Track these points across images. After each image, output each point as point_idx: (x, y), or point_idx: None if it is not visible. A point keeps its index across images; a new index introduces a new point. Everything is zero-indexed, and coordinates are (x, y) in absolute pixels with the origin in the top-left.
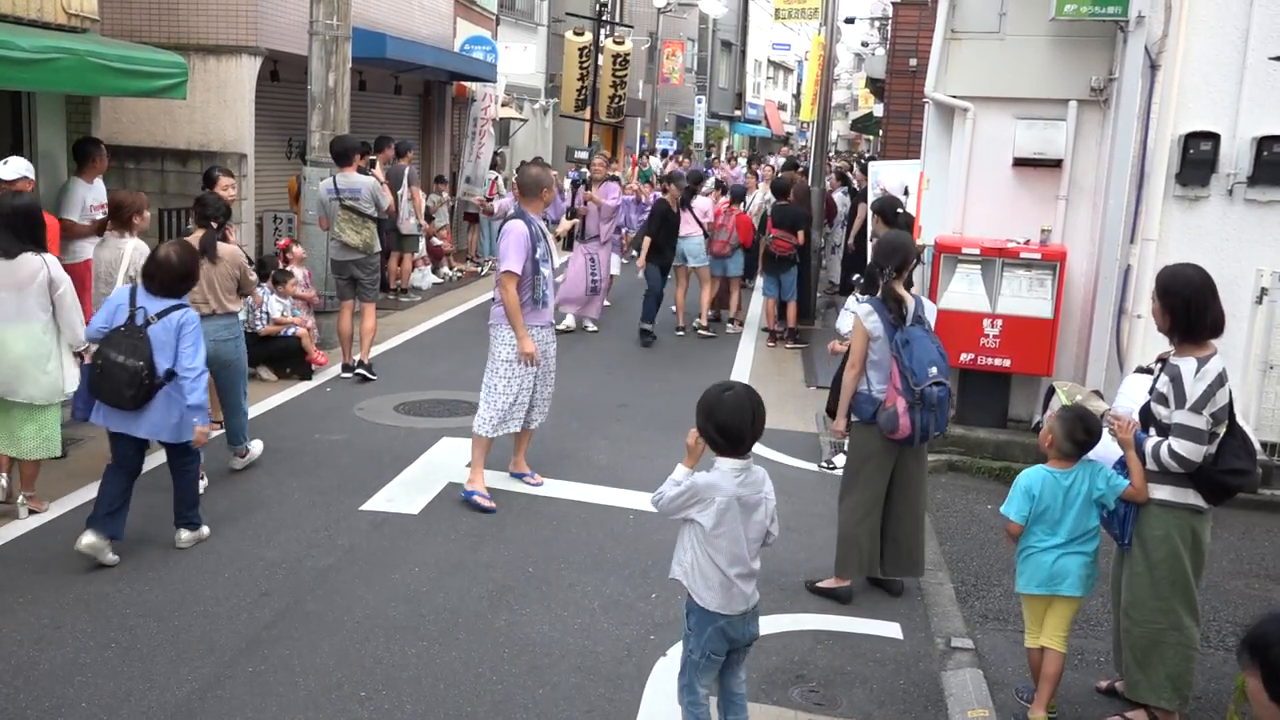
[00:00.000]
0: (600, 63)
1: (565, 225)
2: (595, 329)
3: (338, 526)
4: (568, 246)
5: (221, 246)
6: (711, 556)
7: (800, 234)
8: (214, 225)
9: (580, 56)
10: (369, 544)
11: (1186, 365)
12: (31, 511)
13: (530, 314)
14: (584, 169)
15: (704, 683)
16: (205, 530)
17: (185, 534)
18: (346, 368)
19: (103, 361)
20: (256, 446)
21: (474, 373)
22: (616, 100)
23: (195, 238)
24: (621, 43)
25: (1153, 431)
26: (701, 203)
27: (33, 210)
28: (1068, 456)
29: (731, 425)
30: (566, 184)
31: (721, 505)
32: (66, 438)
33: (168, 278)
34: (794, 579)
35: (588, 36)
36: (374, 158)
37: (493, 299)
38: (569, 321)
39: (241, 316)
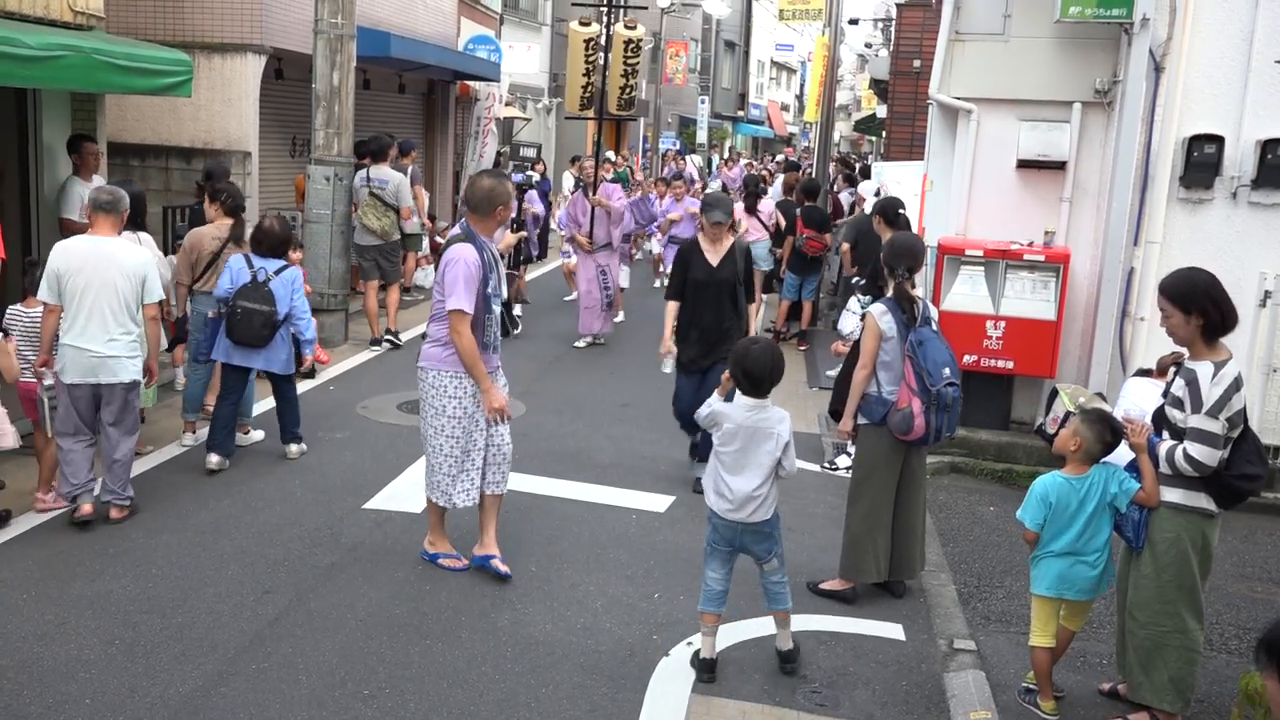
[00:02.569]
0: (609, 52)
1: (509, 240)
2: (603, 343)
3: (341, 525)
4: (513, 266)
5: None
6: (717, 466)
7: (827, 235)
8: (242, 214)
9: (587, 49)
10: (372, 542)
11: (1203, 369)
12: (136, 454)
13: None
14: (530, 171)
15: (714, 568)
16: (305, 446)
17: (294, 447)
18: (374, 341)
19: (240, 310)
20: (258, 434)
21: None
22: (628, 91)
23: (225, 225)
24: (633, 27)
25: (1166, 435)
26: (765, 204)
27: (139, 197)
28: (1094, 459)
29: (755, 371)
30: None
31: (730, 429)
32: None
33: (274, 242)
34: (796, 580)
35: (595, 27)
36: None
37: (424, 335)
38: (587, 340)
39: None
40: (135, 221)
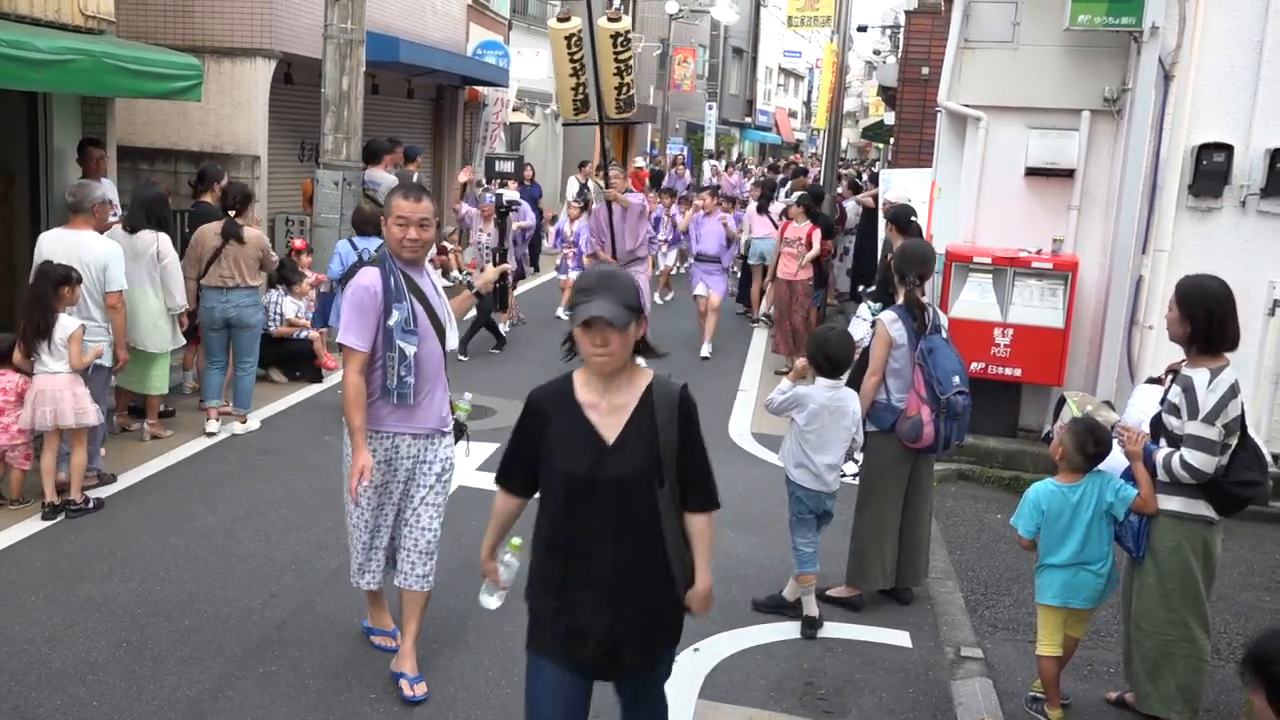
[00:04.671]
0: (597, 49)
1: (490, 275)
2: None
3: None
4: (501, 306)
5: (247, 230)
6: (802, 445)
7: (829, 241)
8: (231, 213)
9: (568, 46)
10: None
11: (1199, 376)
12: (154, 436)
13: (385, 414)
14: (504, 187)
15: (801, 534)
16: None
17: None
18: None
19: None
20: (254, 423)
21: (484, 376)
22: (624, 91)
23: (219, 225)
24: (617, 19)
25: (1163, 442)
26: (776, 206)
27: (159, 198)
28: (1078, 469)
29: (835, 356)
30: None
31: (814, 409)
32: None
33: (378, 221)
34: None
35: (576, 21)
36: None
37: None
38: None
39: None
40: (159, 222)
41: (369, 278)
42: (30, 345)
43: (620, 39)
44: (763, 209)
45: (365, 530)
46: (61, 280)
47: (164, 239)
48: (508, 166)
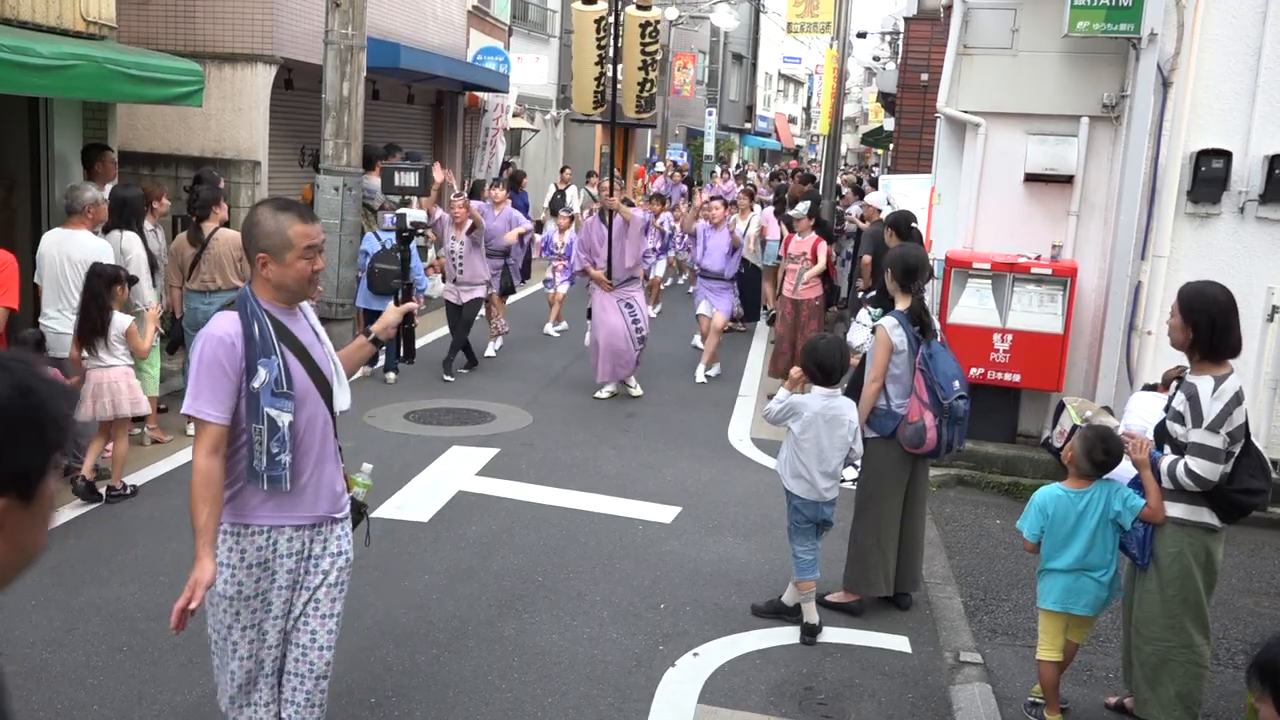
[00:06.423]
0: (620, 41)
1: (391, 317)
2: (639, 392)
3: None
4: (406, 352)
5: (223, 232)
6: (798, 454)
7: (829, 248)
8: (193, 219)
9: (597, 31)
10: (379, 551)
11: (1204, 384)
12: (154, 441)
13: (256, 503)
14: (406, 205)
15: (800, 543)
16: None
17: (391, 375)
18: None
19: (378, 270)
20: None
21: (484, 380)
22: (648, 88)
23: (185, 233)
24: (647, 7)
25: (1168, 450)
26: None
27: (126, 199)
28: (1086, 476)
29: (826, 363)
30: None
31: (809, 418)
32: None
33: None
34: None
35: (603, 4)
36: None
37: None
38: (611, 389)
39: None
40: (129, 222)
41: (223, 325)
42: (88, 342)
43: (649, 29)
44: (779, 212)
45: (239, 659)
46: (113, 279)
47: (129, 236)
48: (410, 179)
